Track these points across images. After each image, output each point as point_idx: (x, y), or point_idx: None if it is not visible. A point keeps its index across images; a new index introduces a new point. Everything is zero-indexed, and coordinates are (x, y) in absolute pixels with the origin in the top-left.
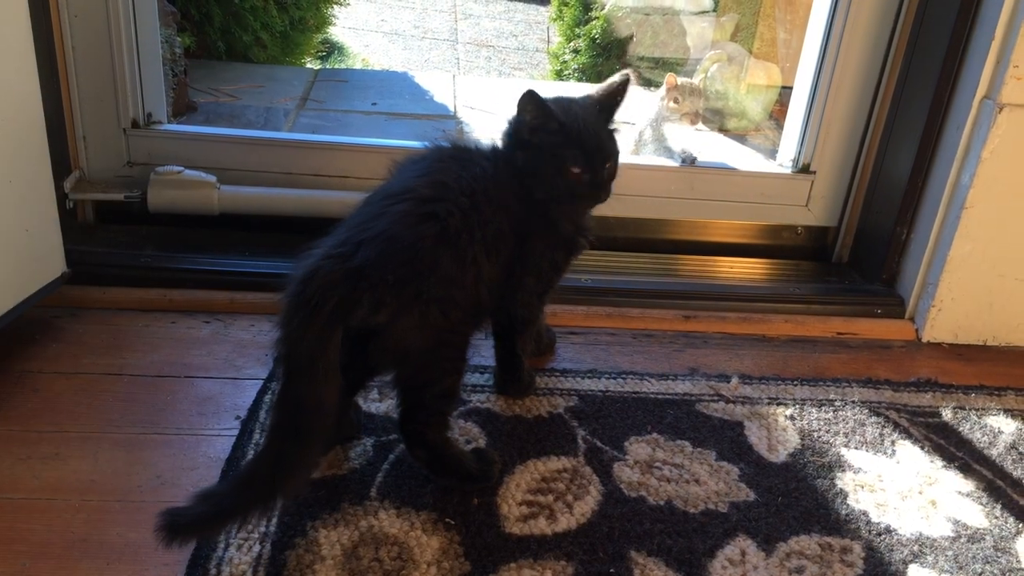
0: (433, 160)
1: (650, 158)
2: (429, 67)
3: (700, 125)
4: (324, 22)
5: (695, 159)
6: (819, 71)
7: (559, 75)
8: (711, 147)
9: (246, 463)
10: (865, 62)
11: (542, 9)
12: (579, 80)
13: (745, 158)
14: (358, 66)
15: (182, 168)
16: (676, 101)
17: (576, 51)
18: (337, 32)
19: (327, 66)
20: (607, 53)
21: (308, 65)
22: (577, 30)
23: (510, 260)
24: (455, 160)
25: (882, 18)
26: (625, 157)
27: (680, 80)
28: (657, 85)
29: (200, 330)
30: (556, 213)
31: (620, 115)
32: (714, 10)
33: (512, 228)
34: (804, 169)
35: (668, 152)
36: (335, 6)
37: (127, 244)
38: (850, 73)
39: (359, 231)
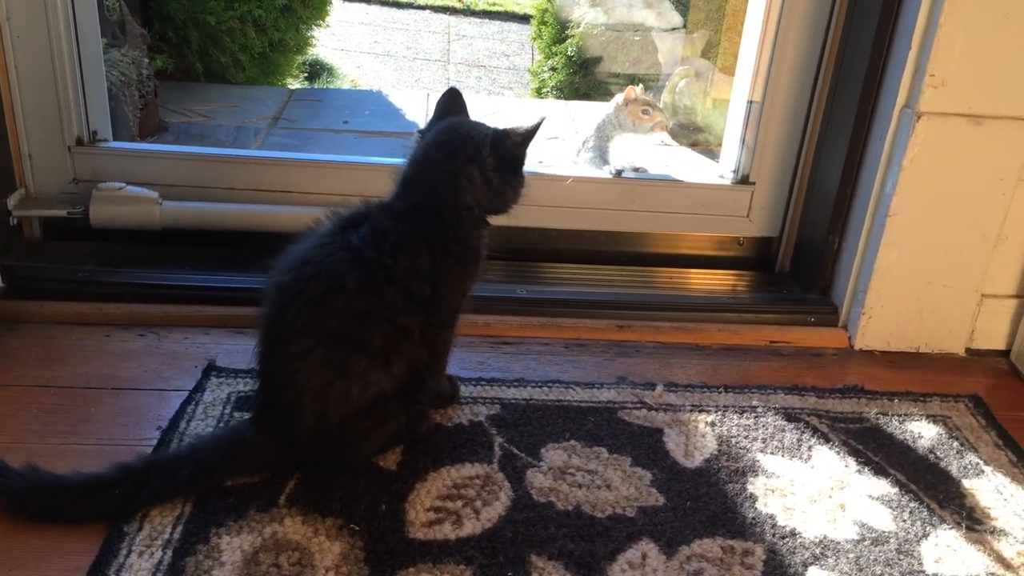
0: (308, 278)
1: (592, 170)
2: (419, 87)
3: (668, 139)
4: (305, 43)
5: (638, 169)
6: (753, 82)
7: (538, 92)
8: (676, 161)
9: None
10: (798, 74)
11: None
12: (557, 97)
13: (706, 171)
14: (347, 87)
15: (124, 184)
16: (646, 112)
17: (554, 69)
18: (328, 54)
19: (314, 87)
20: (583, 70)
21: (294, 86)
22: (555, 48)
23: (423, 336)
24: (337, 263)
25: (813, 30)
26: (568, 169)
27: (639, 93)
28: None
29: (133, 343)
30: (483, 234)
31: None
32: (685, 27)
33: (420, 296)
34: (744, 180)
35: (604, 162)
36: (317, 28)
37: (69, 259)
38: (784, 85)
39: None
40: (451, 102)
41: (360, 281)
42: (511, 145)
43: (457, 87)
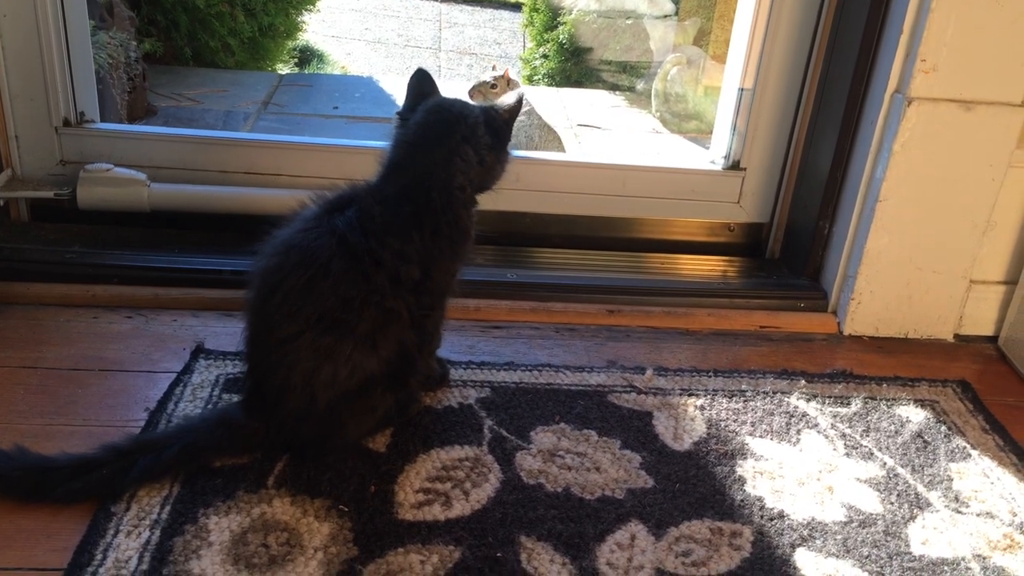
0: (293, 262)
1: (584, 155)
2: (410, 74)
3: (659, 127)
4: (295, 28)
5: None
6: (745, 69)
7: (530, 80)
8: (666, 149)
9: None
10: (789, 60)
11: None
12: (548, 85)
13: (697, 158)
14: (337, 73)
15: (111, 166)
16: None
17: (545, 56)
18: (318, 40)
19: (304, 72)
20: (575, 58)
21: (284, 71)
22: (546, 35)
23: (412, 319)
24: (325, 251)
25: (804, 16)
26: (559, 155)
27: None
28: (623, 89)
29: (121, 325)
30: (472, 213)
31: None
32: (676, 14)
33: (410, 279)
34: (735, 166)
35: None
36: (307, 12)
37: (56, 241)
38: (775, 71)
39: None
40: (423, 82)
41: (345, 266)
42: (501, 121)
43: (427, 69)
